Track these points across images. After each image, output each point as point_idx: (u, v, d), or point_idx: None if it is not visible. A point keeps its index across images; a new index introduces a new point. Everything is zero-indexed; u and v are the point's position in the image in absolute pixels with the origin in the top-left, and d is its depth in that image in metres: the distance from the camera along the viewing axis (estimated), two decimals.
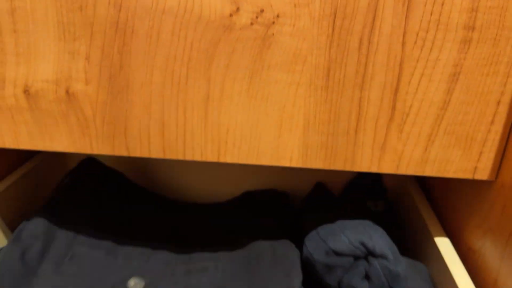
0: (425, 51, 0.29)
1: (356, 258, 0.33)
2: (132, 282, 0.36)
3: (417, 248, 0.41)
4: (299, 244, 0.39)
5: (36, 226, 0.38)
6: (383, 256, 0.32)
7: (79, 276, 0.36)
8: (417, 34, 0.29)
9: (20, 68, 0.32)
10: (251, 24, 0.29)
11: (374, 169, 0.33)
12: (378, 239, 0.33)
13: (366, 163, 0.33)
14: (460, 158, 0.32)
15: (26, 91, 0.32)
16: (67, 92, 0.32)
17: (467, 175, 0.33)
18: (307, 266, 0.36)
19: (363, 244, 0.32)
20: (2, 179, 0.45)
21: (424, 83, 0.30)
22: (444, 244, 0.37)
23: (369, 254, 0.33)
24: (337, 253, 0.33)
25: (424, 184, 0.48)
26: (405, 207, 0.47)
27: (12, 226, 0.43)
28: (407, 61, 0.30)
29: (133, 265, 0.39)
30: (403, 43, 0.29)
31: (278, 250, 0.38)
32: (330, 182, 0.52)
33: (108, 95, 0.32)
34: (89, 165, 0.47)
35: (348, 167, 0.33)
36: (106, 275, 0.37)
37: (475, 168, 0.32)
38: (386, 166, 0.33)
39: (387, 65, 0.30)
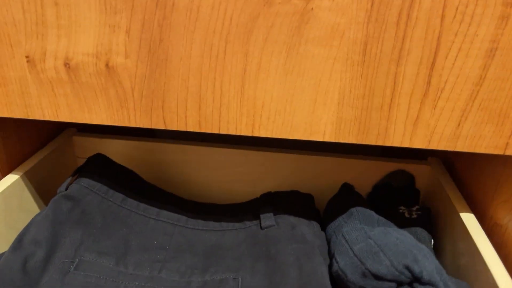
0: (463, 25, 0.29)
1: (399, 283, 0.29)
2: None
3: (442, 224, 0.42)
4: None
5: (39, 230, 0.35)
6: (431, 284, 0.28)
7: None
8: (457, 9, 0.29)
9: (61, 41, 0.32)
10: None
11: (405, 144, 0.34)
12: (425, 262, 0.29)
13: (398, 138, 0.34)
14: (493, 134, 0.33)
15: (66, 64, 0.33)
16: (106, 65, 0.33)
17: (498, 151, 0.33)
18: (338, 281, 0.33)
19: (408, 268, 0.29)
20: (35, 152, 0.46)
21: (461, 58, 0.30)
22: (469, 220, 0.38)
23: (415, 280, 0.29)
24: (377, 277, 0.29)
25: (447, 160, 0.48)
26: (429, 184, 0.48)
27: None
28: (445, 36, 0.30)
29: (144, 276, 0.35)
30: (442, 17, 0.29)
31: (305, 266, 0.34)
32: (357, 184, 0.48)
33: (147, 69, 0.33)
34: (98, 162, 0.43)
35: (380, 142, 0.34)
36: (115, 287, 0.33)
37: (507, 144, 0.33)
38: (418, 141, 0.33)
39: (425, 40, 0.30)
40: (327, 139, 0.34)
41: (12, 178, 0.41)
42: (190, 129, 0.35)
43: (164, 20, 0.31)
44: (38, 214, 0.37)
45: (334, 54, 0.31)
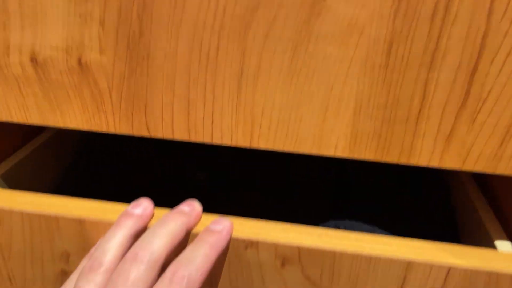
0: None
1: None
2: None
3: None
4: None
5: None
6: None
7: None
8: (509, 2, 0.23)
9: (26, 32, 0.27)
10: None
11: (434, 163, 0.28)
12: None
13: (425, 157, 0.28)
14: None
15: (33, 59, 0.28)
16: (79, 61, 0.28)
17: None
18: None
19: None
20: (15, 151, 0.42)
21: (510, 63, 0.24)
22: (505, 248, 0.32)
23: None
24: None
25: (483, 182, 0.42)
26: (462, 207, 0.42)
27: None
28: (491, 36, 0.24)
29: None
30: (490, 13, 0.23)
31: None
32: None
33: (126, 67, 0.27)
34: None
35: (404, 160, 0.28)
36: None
37: None
38: (450, 161, 0.28)
39: (465, 40, 0.24)
40: (339, 154, 0.29)
41: (22, 153, 0.37)
42: (178, 137, 0.29)
43: (144, 11, 0.26)
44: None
45: (351, 55, 0.25)
